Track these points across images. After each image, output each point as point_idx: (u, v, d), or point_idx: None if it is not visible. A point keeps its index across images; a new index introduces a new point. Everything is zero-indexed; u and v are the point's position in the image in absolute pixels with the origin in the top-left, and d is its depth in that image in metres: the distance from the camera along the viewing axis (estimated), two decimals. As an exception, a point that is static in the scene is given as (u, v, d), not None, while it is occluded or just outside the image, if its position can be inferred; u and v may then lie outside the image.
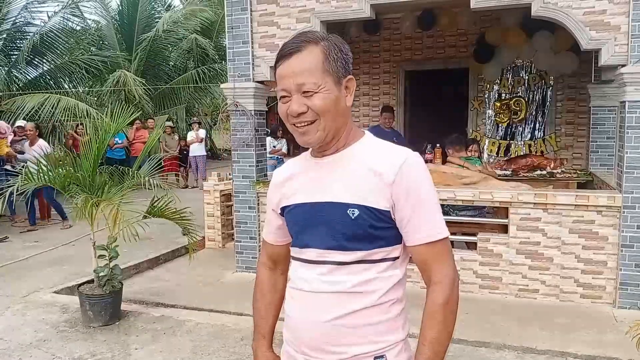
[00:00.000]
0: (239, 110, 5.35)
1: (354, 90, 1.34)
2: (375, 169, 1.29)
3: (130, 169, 4.59)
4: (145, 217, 4.19)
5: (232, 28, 5.27)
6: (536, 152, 7.33)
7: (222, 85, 5.53)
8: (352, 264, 1.30)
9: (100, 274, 4.07)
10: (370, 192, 1.28)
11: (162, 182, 4.54)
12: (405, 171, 1.27)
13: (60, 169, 4.07)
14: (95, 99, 14.61)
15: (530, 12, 4.46)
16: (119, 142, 11.85)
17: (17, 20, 12.59)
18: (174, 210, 4.37)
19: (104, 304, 4.10)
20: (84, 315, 4.17)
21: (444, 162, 6.08)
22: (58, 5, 13.05)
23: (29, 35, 12.61)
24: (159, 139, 12.38)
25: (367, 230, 1.28)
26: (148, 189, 4.38)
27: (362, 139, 1.37)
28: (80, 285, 4.35)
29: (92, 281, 4.28)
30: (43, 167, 4.07)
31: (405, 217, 1.29)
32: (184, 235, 4.56)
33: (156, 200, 4.27)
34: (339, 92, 1.29)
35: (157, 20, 15.99)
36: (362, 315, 1.29)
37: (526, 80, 7.54)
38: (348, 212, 1.28)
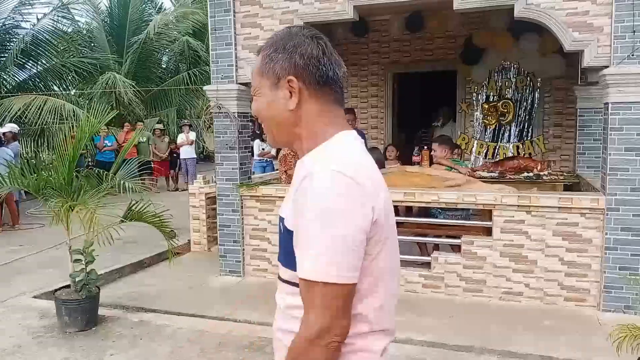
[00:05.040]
0: (222, 113, 5.30)
1: (299, 91, 1.19)
2: (296, 182, 1.17)
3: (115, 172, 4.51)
4: (122, 221, 4.13)
5: (215, 30, 5.23)
6: (524, 154, 7.30)
7: (205, 88, 5.47)
8: (285, 282, 1.23)
9: (76, 279, 4.00)
10: (288, 206, 1.19)
11: (139, 185, 4.47)
12: (301, 189, 1.11)
13: (34, 174, 4.00)
14: (87, 101, 14.48)
15: (516, 14, 4.44)
16: (109, 144, 11.79)
17: (6, 23, 12.48)
18: (153, 214, 4.31)
19: (81, 309, 4.04)
20: (60, 320, 4.10)
21: (431, 164, 6.05)
22: (48, 6, 12.95)
23: (18, 38, 12.50)
24: (148, 141, 12.33)
25: (291, 248, 1.15)
26: (124, 192, 4.31)
27: (318, 147, 1.20)
28: (56, 290, 4.28)
29: (69, 286, 4.21)
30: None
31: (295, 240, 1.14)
32: (169, 239, 4.49)
33: (134, 204, 4.20)
34: (274, 95, 1.21)
35: (148, 22, 15.90)
36: (288, 337, 1.18)
37: (514, 82, 7.52)
38: (281, 225, 1.22)
